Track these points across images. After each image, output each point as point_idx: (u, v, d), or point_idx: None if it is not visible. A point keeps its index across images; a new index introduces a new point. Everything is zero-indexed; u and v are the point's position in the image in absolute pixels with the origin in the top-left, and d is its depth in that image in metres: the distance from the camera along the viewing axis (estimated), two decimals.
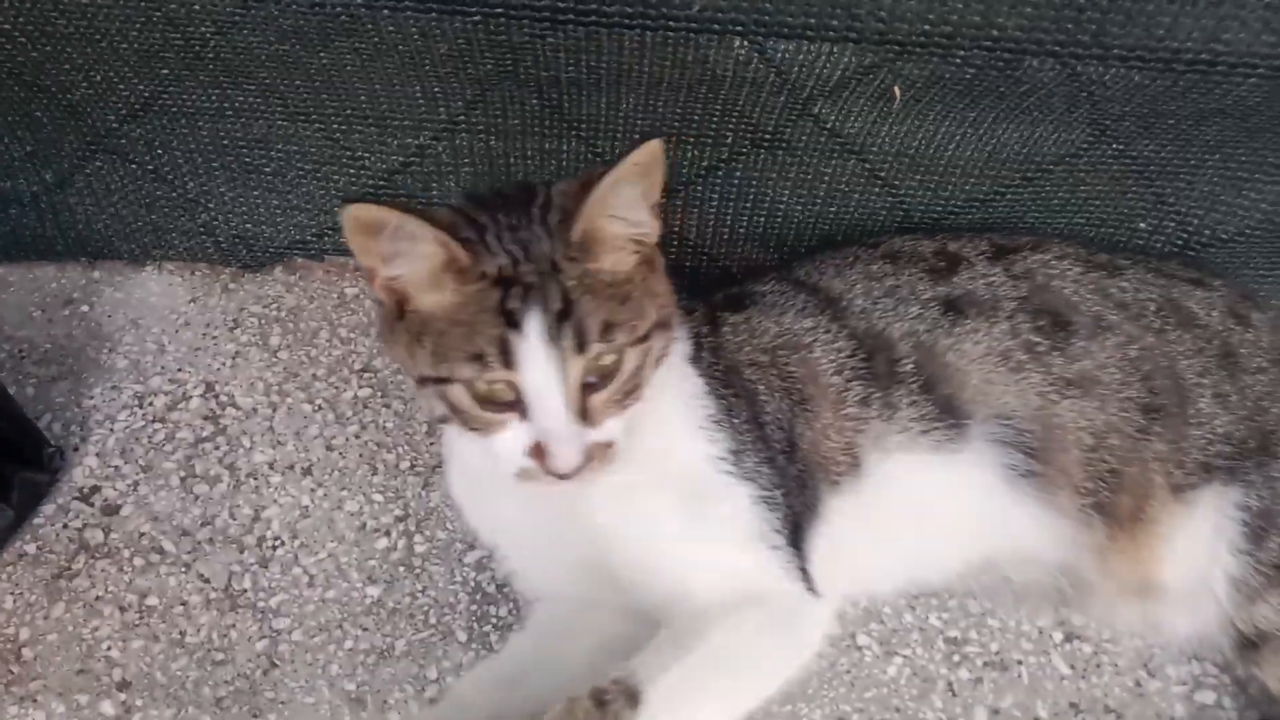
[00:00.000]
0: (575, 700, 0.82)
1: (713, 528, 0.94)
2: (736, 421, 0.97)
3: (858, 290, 1.07)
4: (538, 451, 0.85)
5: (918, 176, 1.18)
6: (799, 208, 1.23)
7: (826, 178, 1.19)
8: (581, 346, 0.82)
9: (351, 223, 0.81)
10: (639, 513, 0.94)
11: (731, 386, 0.99)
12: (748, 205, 1.24)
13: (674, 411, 0.96)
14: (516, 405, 0.84)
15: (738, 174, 1.20)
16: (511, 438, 0.86)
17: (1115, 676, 1.11)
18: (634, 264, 0.88)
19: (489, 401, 0.85)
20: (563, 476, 0.85)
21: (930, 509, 1.03)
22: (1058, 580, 1.06)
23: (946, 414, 1.01)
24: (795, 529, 0.97)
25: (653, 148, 0.82)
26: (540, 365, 0.82)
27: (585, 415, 0.85)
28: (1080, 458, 1.01)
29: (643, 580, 0.96)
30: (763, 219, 1.25)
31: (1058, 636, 1.14)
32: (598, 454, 0.86)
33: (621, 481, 0.93)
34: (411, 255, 0.83)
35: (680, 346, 0.98)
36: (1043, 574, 1.06)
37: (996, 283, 1.06)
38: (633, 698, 0.83)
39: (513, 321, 0.81)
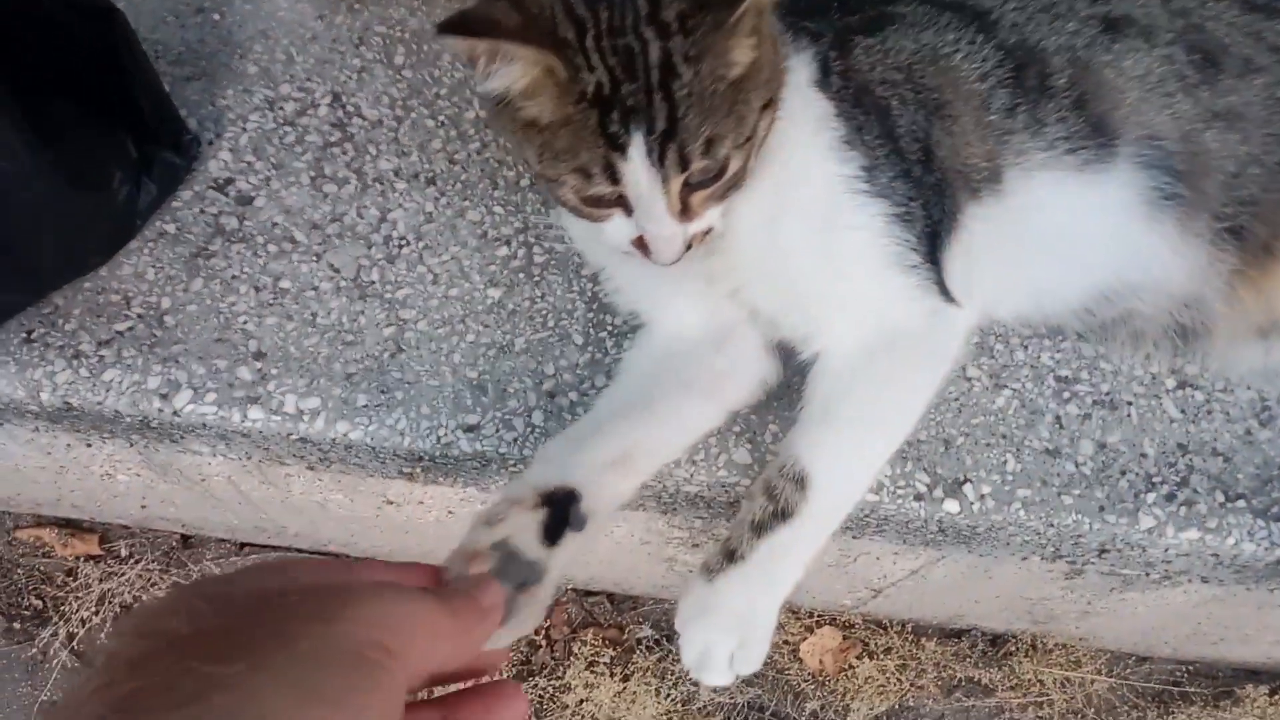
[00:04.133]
0: (750, 499, 0.88)
1: (847, 258, 0.95)
2: (868, 139, 0.96)
3: (1010, 4, 1.04)
4: (640, 243, 0.89)
5: None
6: None
7: None
8: (685, 165, 0.83)
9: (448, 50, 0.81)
10: (774, 248, 0.96)
11: (862, 106, 0.98)
12: None
13: (802, 137, 0.95)
14: (621, 202, 0.87)
15: None
16: (616, 229, 0.90)
17: (1226, 423, 1.11)
18: (753, 50, 0.83)
19: (595, 202, 0.87)
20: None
21: (1067, 230, 1.02)
22: (1181, 315, 1.05)
23: (1097, 132, 0.99)
24: (933, 240, 0.97)
25: None
26: (644, 182, 0.83)
27: (686, 212, 0.87)
28: (1222, 182, 0.99)
29: (778, 318, 0.99)
30: None
31: (1170, 383, 1.13)
32: (697, 241, 0.90)
33: (755, 215, 0.94)
34: (508, 75, 0.81)
35: (805, 72, 0.97)
36: (1168, 306, 1.05)
37: (1154, 13, 1.03)
38: (800, 481, 0.88)
39: (615, 144, 0.81)
